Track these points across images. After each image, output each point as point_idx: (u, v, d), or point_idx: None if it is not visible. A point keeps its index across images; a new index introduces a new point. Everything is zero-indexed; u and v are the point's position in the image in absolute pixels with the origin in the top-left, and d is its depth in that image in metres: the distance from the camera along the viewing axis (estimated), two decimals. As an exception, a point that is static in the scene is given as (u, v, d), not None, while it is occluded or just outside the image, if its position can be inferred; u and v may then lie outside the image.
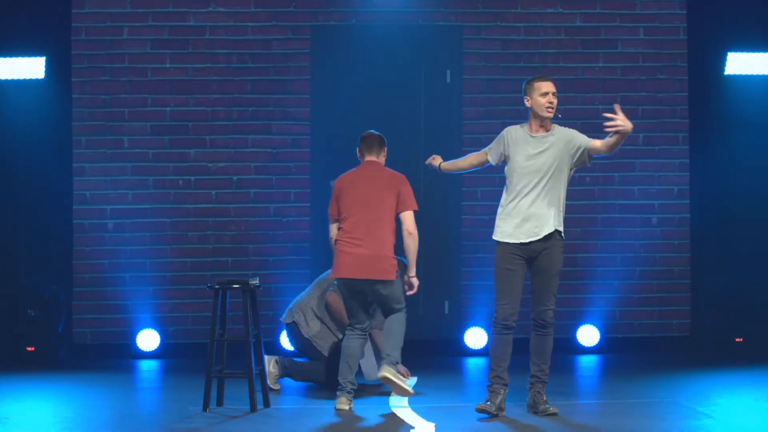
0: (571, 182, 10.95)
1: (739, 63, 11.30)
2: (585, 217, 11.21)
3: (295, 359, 9.37)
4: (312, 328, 9.22)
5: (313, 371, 9.25)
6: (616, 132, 7.89)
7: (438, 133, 11.23)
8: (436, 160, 8.55)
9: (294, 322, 9.26)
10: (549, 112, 8.03)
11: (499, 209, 8.08)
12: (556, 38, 11.22)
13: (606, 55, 11.27)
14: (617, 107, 7.90)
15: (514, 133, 8.12)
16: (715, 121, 11.38)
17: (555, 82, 11.08)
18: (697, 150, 11.34)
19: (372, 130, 8.87)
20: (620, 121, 7.85)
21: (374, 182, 8.54)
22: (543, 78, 8.13)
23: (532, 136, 8.05)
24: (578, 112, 11.19)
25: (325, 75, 11.19)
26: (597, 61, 11.26)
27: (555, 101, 8.05)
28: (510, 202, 8.01)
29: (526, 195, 7.96)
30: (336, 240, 8.64)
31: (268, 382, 9.04)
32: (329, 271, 9.48)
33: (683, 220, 11.32)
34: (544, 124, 8.08)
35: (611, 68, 11.26)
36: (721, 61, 11.30)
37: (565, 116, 11.12)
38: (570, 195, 11.00)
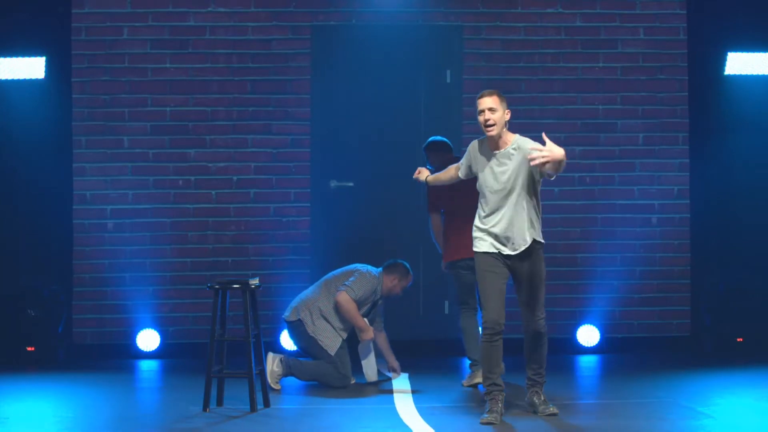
0: (571, 182, 11.03)
1: (739, 63, 11.30)
2: (585, 217, 11.21)
3: (300, 358, 9.38)
4: (318, 326, 9.24)
5: (317, 371, 9.25)
6: (545, 163, 7.60)
7: (438, 133, 11.22)
8: (423, 174, 8.46)
9: (299, 320, 9.27)
10: (488, 130, 7.81)
11: (476, 222, 7.98)
12: (556, 38, 11.22)
13: (606, 55, 11.27)
14: (545, 138, 7.68)
15: (478, 147, 7.99)
16: (715, 121, 11.37)
17: (555, 82, 11.19)
18: (697, 150, 11.34)
19: (437, 138, 9.63)
20: (546, 151, 7.57)
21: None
22: (481, 94, 7.90)
23: (494, 153, 7.89)
24: (578, 112, 11.20)
25: (325, 75, 11.19)
26: (597, 61, 11.26)
27: (493, 116, 7.78)
28: (485, 218, 7.91)
29: (498, 212, 7.84)
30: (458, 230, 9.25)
31: (270, 381, 9.05)
32: (337, 271, 9.48)
33: (683, 220, 11.32)
34: (503, 138, 7.87)
35: (611, 68, 11.26)
36: (721, 61, 11.30)
37: (565, 116, 11.17)
38: (570, 195, 11.08)
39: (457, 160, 9.12)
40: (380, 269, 9.48)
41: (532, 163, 7.66)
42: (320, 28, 11.14)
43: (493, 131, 7.83)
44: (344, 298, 9.21)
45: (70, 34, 10.98)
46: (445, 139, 9.68)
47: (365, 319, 9.36)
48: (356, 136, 11.22)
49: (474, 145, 8.06)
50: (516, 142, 7.89)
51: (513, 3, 11.21)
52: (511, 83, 11.10)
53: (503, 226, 7.86)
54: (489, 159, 7.91)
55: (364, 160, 11.15)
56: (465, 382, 9.35)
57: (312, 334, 9.24)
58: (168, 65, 11.04)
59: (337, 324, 9.27)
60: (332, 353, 9.20)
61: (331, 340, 9.24)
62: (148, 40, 11.02)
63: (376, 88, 11.21)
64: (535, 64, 11.16)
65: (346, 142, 11.22)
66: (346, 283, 9.28)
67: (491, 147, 7.93)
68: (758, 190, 11.39)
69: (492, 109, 7.82)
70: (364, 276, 9.34)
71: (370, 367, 9.46)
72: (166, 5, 11.02)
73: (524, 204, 7.84)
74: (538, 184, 7.93)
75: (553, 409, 8.00)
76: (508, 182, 7.83)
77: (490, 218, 7.90)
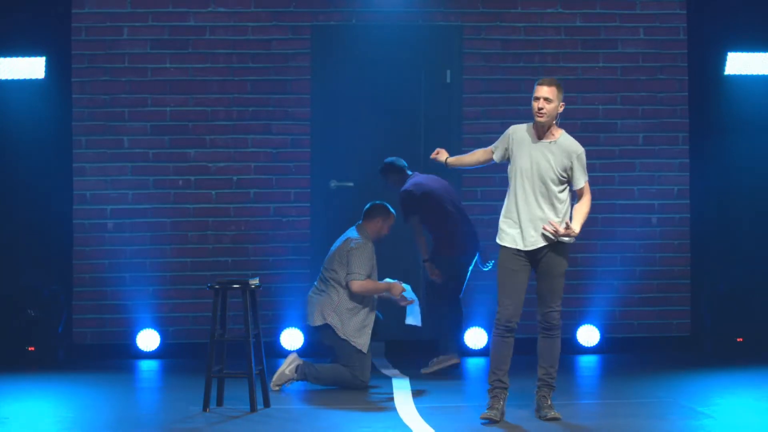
0: (571, 182, 11.01)
1: (739, 63, 11.30)
2: (585, 217, 11.19)
3: (315, 363, 9.28)
4: (347, 327, 9.14)
5: (335, 376, 9.16)
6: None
7: (438, 133, 11.23)
8: (442, 155, 8.35)
9: (327, 324, 9.17)
10: (539, 116, 7.79)
11: (503, 211, 7.93)
12: (556, 38, 11.22)
13: (606, 55, 11.27)
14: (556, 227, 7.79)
15: (519, 133, 7.91)
16: (715, 121, 11.37)
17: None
18: (697, 150, 11.34)
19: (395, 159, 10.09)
20: (554, 231, 7.74)
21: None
22: (541, 81, 7.88)
23: (539, 140, 7.84)
24: (578, 112, 11.19)
25: (325, 75, 11.18)
26: (597, 61, 11.26)
27: (547, 106, 7.76)
28: (513, 206, 7.85)
29: (528, 200, 7.80)
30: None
31: (274, 379, 9.04)
32: (330, 254, 9.33)
33: (683, 220, 11.32)
34: (549, 129, 7.86)
35: (611, 68, 11.26)
36: (721, 61, 11.30)
37: (565, 116, 11.15)
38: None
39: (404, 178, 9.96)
40: (359, 223, 9.39)
41: (543, 230, 7.78)
42: (320, 28, 11.14)
43: (542, 119, 7.78)
44: (357, 285, 9.11)
45: (70, 34, 10.98)
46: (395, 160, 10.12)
47: (384, 281, 9.29)
48: (356, 136, 11.22)
49: (515, 129, 7.94)
50: (563, 137, 7.86)
51: (513, 3, 11.21)
52: (511, 83, 11.10)
53: (533, 215, 7.78)
54: (530, 145, 7.84)
55: (364, 160, 11.14)
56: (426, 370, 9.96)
57: (344, 337, 9.12)
58: (168, 65, 11.04)
59: (363, 313, 9.19)
60: (365, 351, 9.13)
61: (362, 338, 9.14)
62: (148, 40, 11.02)
63: (376, 88, 11.21)
64: (535, 64, 11.16)
65: (346, 142, 11.22)
66: (350, 271, 9.19)
67: (536, 134, 7.86)
68: (758, 190, 11.39)
69: (548, 99, 7.77)
70: (357, 250, 9.18)
71: (414, 315, 9.40)
72: (166, 5, 11.02)
73: (557, 197, 7.80)
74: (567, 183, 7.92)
75: (553, 414, 7.89)
76: (547, 172, 7.78)
77: (518, 205, 7.82)
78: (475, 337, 11.07)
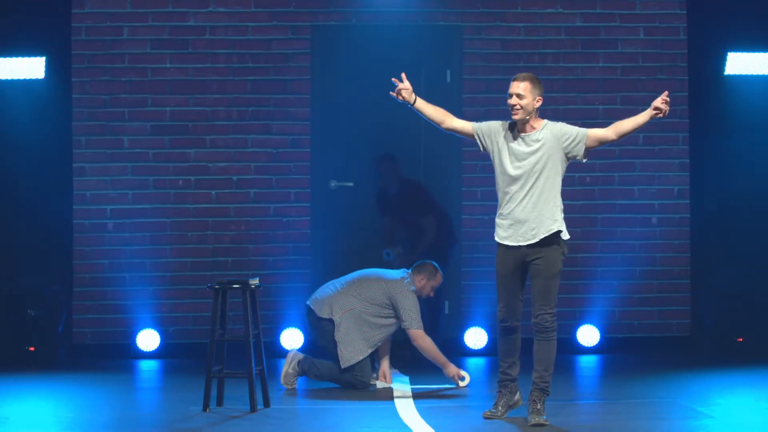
0: (571, 182, 11.02)
1: (739, 63, 11.30)
2: (585, 217, 11.21)
3: (315, 359, 9.22)
4: (345, 336, 9.06)
5: (334, 375, 9.14)
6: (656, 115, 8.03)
7: (437, 133, 11.20)
8: (408, 93, 8.00)
9: (331, 320, 9.09)
10: (514, 114, 7.72)
11: (498, 210, 7.89)
12: (556, 38, 11.22)
13: (606, 55, 11.27)
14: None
15: (504, 127, 7.83)
16: (715, 121, 11.37)
17: (555, 82, 11.18)
18: (697, 150, 11.34)
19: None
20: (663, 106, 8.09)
21: None
22: (515, 77, 7.79)
23: (521, 135, 7.77)
24: (578, 112, 11.19)
25: (325, 75, 11.19)
26: (597, 61, 11.26)
27: (521, 102, 7.69)
28: (505, 205, 7.80)
29: (520, 198, 7.74)
30: None
31: (282, 382, 9.04)
32: (370, 274, 9.22)
33: (683, 220, 11.32)
34: (530, 123, 7.76)
35: (611, 68, 11.26)
36: (721, 61, 11.30)
37: (565, 116, 11.17)
38: (570, 195, 11.03)
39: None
40: (409, 271, 9.32)
41: (656, 107, 8.17)
42: (320, 28, 11.14)
43: (517, 116, 7.72)
44: (419, 337, 9.10)
45: (70, 34, 10.99)
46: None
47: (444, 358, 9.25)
48: (356, 136, 11.22)
49: (501, 123, 7.86)
50: (546, 127, 7.78)
51: (513, 3, 11.21)
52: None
53: (525, 213, 7.73)
54: (515, 140, 7.78)
55: (364, 160, 11.15)
56: None
57: (337, 339, 9.08)
58: (168, 65, 11.05)
59: (368, 340, 9.09)
60: (342, 366, 9.05)
61: (351, 354, 9.05)
62: (148, 40, 11.02)
63: (376, 88, 11.17)
64: (535, 64, 11.15)
65: (346, 142, 11.22)
66: (406, 318, 9.06)
67: (519, 129, 7.80)
68: (758, 190, 11.39)
69: (520, 95, 7.71)
70: (408, 296, 9.10)
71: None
72: (166, 5, 11.03)
73: (548, 190, 7.74)
74: (562, 174, 7.82)
75: (539, 420, 7.73)
76: (535, 166, 7.72)
77: (510, 204, 7.78)
78: (475, 337, 11.08)
